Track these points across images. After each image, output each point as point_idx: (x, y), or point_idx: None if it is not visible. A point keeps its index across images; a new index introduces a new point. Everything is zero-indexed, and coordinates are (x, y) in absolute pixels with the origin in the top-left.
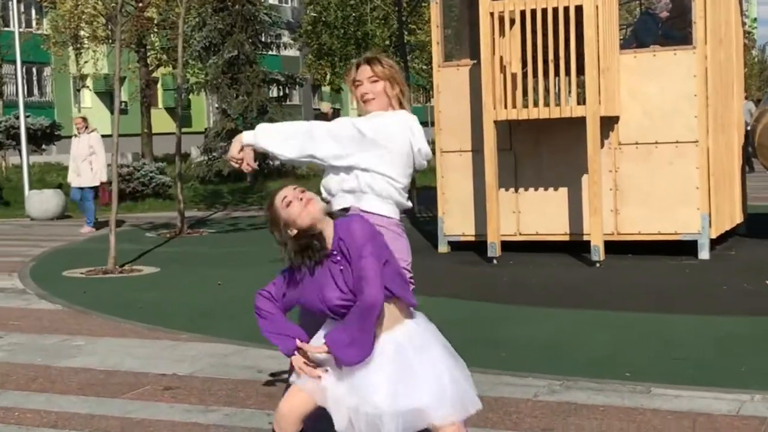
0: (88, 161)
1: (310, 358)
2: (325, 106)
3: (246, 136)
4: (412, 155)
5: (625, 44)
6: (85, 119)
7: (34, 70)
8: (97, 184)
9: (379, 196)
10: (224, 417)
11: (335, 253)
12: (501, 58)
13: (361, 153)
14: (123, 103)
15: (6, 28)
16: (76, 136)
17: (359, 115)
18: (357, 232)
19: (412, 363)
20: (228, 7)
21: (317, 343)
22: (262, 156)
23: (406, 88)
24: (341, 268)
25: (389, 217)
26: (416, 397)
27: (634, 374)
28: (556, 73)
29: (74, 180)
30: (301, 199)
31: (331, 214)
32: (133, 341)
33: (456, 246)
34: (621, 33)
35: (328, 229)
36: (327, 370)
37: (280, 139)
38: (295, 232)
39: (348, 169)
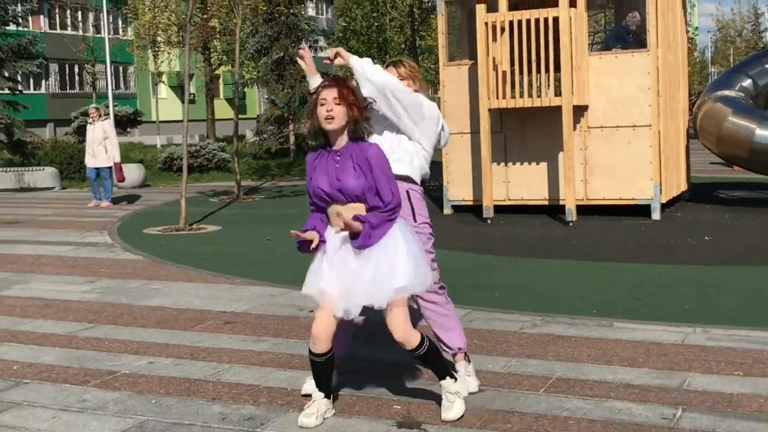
0: (102, 145)
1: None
2: None
3: (352, 59)
4: (439, 133)
5: (602, 48)
6: (98, 108)
7: (120, 68)
8: (112, 164)
9: (411, 163)
10: (272, 345)
11: (338, 156)
12: (494, 59)
13: (413, 121)
14: (192, 95)
15: (98, 35)
16: (91, 123)
17: None
18: (372, 158)
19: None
20: (275, 18)
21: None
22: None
23: (424, 83)
24: (337, 165)
25: (416, 183)
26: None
27: (600, 312)
28: (538, 71)
29: (90, 161)
30: (329, 110)
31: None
32: (199, 285)
33: (458, 209)
34: (589, 38)
35: (341, 138)
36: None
37: (377, 69)
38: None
39: (395, 133)
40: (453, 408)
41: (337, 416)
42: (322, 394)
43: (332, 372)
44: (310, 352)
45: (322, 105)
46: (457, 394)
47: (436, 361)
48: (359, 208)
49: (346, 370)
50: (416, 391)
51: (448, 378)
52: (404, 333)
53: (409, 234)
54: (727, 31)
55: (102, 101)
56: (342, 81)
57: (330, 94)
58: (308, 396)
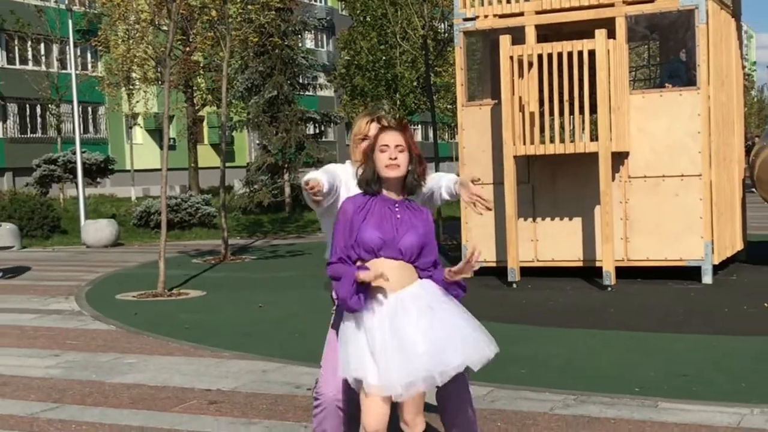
0: None
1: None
2: None
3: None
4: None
5: (648, 85)
6: None
7: (89, 109)
8: None
9: None
10: (265, 429)
11: (397, 207)
12: (520, 98)
13: None
14: (171, 140)
15: (64, 71)
16: None
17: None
18: (427, 218)
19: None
20: (268, 51)
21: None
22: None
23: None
24: (398, 216)
25: None
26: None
27: (642, 389)
28: (571, 112)
29: None
30: (393, 158)
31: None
32: (180, 359)
33: (478, 271)
34: (631, 74)
35: (397, 188)
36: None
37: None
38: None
39: None
40: None
41: None
42: None
43: None
44: None
45: (383, 151)
46: None
47: None
48: (408, 269)
49: None
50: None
51: None
52: (415, 415)
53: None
54: None
55: (67, 147)
56: (405, 126)
57: (393, 140)
58: None
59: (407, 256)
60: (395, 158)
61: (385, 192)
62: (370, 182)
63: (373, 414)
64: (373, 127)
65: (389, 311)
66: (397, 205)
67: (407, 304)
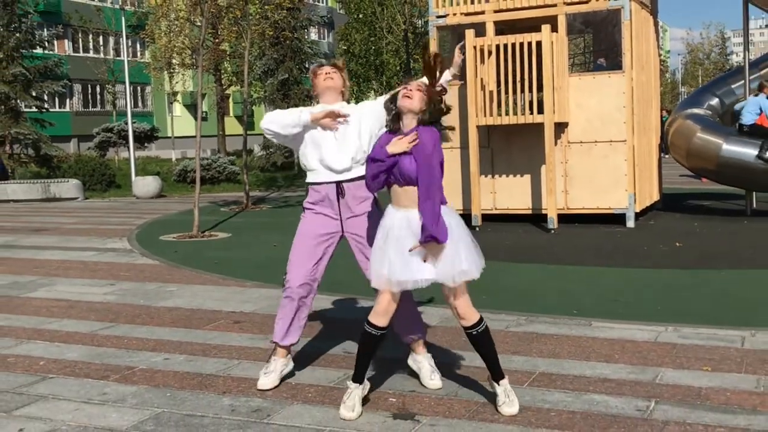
0: None
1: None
2: None
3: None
4: None
5: (592, 69)
6: None
7: (138, 88)
8: None
9: None
10: None
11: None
12: (482, 80)
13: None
14: (204, 113)
15: (118, 58)
16: None
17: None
18: (428, 141)
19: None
20: (281, 42)
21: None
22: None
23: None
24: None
25: None
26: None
27: (579, 312)
28: (522, 90)
29: None
30: (409, 90)
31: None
32: (211, 287)
33: None
34: (569, 61)
35: (410, 121)
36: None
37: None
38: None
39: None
40: (514, 403)
41: (335, 408)
42: (357, 384)
43: (374, 354)
44: (368, 324)
45: (404, 88)
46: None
47: (490, 346)
48: (411, 192)
49: (344, 366)
50: (411, 384)
51: (501, 382)
52: (466, 308)
53: (456, 220)
54: (696, 54)
55: (122, 118)
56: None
57: (414, 83)
58: (263, 391)
59: (407, 180)
60: (410, 91)
61: (404, 126)
62: (390, 115)
63: (385, 301)
64: (322, 68)
65: (398, 224)
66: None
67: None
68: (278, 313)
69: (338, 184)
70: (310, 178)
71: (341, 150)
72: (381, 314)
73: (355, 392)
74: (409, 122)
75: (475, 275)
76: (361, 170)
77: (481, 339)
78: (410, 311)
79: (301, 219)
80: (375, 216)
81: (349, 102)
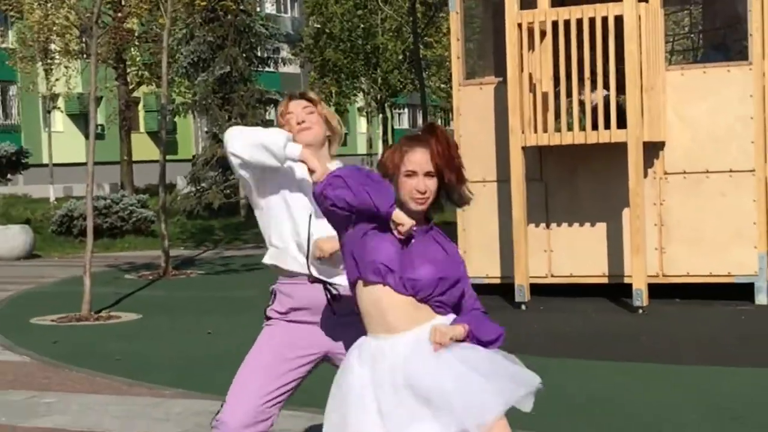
0: None
1: None
2: None
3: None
4: None
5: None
6: None
7: None
8: None
9: None
10: None
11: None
12: (530, 76)
13: None
14: (99, 127)
15: None
16: None
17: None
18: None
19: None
20: (219, 18)
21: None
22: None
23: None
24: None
25: None
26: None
27: None
28: (593, 92)
29: None
30: (422, 192)
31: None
32: (110, 398)
33: (479, 289)
34: (667, 46)
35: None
36: None
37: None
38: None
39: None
40: None
41: None
42: None
43: None
44: None
45: (409, 176)
46: None
47: None
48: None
49: None
50: None
51: None
52: None
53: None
54: None
55: None
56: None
57: (422, 164)
58: None
59: (418, 294)
60: (424, 192)
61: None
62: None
63: None
64: (293, 104)
65: (402, 355)
66: (416, 231)
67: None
68: None
69: (326, 284)
70: (275, 263)
71: (326, 226)
72: None
73: None
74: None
75: (500, 410)
76: None
77: None
78: None
79: (263, 328)
80: None
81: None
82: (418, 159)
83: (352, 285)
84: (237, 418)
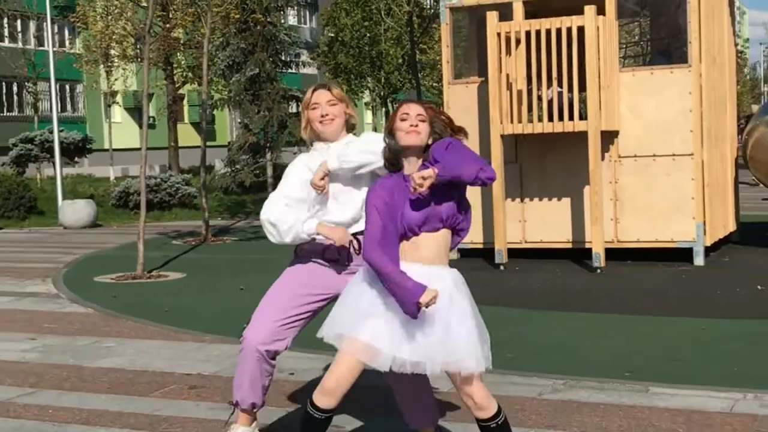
0: None
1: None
2: None
3: (331, 163)
4: None
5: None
6: None
7: (67, 87)
8: None
9: None
10: None
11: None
12: (507, 76)
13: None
14: (151, 118)
15: (41, 48)
16: None
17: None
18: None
19: (452, 319)
20: (250, 28)
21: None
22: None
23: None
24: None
25: None
26: (454, 353)
27: (633, 374)
28: (565, 90)
29: None
30: (414, 125)
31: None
32: (160, 343)
33: (465, 253)
34: (620, 52)
35: (413, 162)
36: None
37: (356, 151)
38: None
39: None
40: None
41: None
42: None
43: None
44: (311, 405)
45: (403, 120)
46: None
47: None
48: (444, 238)
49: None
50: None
51: None
52: (482, 397)
53: (464, 291)
54: None
55: (44, 126)
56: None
57: (414, 110)
58: None
59: (448, 223)
60: (416, 126)
61: (406, 165)
62: (393, 154)
63: (340, 372)
64: (317, 94)
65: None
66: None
67: (433, 279)
68: (238, 368)
69: (355, 235)
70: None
71: (345, 208)
72: (328, 393)
73: None
74: (413, 162)
75: (473, 369)
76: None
77: None
78: (426, 394)
79: (287, 268)
80: None
81: (354, 129)
82: (411, 107)
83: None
84: (257, 335)
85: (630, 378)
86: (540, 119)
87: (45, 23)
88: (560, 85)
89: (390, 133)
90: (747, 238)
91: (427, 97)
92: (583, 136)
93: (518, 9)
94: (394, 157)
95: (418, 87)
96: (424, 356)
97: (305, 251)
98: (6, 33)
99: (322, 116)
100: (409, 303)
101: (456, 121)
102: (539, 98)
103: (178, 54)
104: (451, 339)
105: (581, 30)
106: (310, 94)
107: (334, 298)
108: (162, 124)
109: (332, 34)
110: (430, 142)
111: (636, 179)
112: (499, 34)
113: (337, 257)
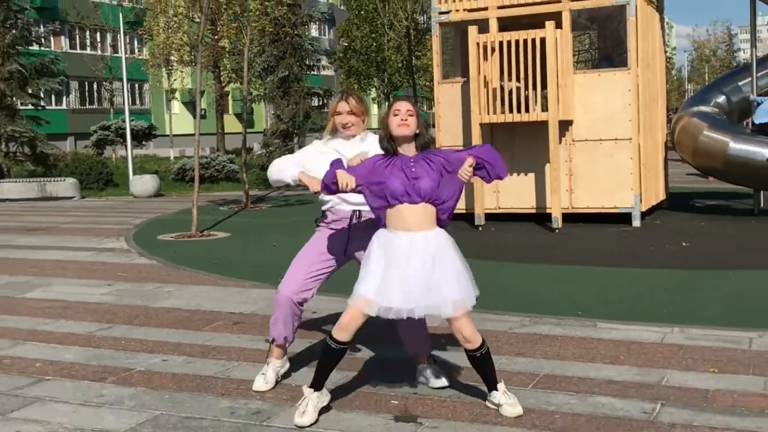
0: None
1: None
2: None
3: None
4: None
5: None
6: None
7: (136, 85)
8: None
9: None
10: None
11: (412, 161)
12: (485, 77)
13: None
14: (203, 110)
15: (116, 55)
16: None
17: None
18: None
19: (433, 277)
20: (281, 39)
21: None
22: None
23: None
24: (413, 169)
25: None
26: (436, 303)
27: (584, 313)
28: (526, 88)
29: None
30: (404, 119)
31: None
32: (209, 288)
33: (452, 217)
34: (574, 58)
35: (408, 148)
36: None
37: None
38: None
39: None
40: (516, 404)
41: (337, 410)
42: (312, 390)
43: (335, 367)
44: (330, 338)
45: (395, 115)
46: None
47: (490, 365)
48: (428, 211)
49: (345, 367)
50: (412, 386)
51: (498, 386)
52: (470, 332)
53: (452, 247)
54: (702, 51)
55: (119, 116)
56: (409, 98)
57: (404, 106)
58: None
59: (426, 199)
60: (405, 119)
61: (401, 150)
62: (385, 141)
63: (352, 316)
64: (341, 105)
65: (405, 247)
66: (412, 160)
67: (418, 244)
68: (273, 312)
69: (354, 212)
70: (326, 206)
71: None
72: (343, 329)
73: (310, 399)
74: (406, 149)
75: (450, 314)
76: None
77: (482, 360)
78: (421, 331)
79: (315, 232)
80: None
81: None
82: (402, 105)
83: (378, 208)
84: (289, 287)
85: (582, 316)
86: (510, 111)
87: (119, 35)
88: (525, 85)
89: (385, 125)
90: (674, 205)
91: (421, 94)
92: (544, 124)
93: (493, 24)
94: (388, 144)
95: (414, 86)
96: (406, 304)
97: (323, 222)
98: (88, 43)
99: (344, 125)
100: (329, 175)
101: (445, 113)
102: (510, 93)
103: (224, 59)
104: (432, 292)
105: (543, 40)
106: (336, 102)
107: (349, 258)
108: (211, 115)
109: (346, 44)
110: (417, 131)
111: (586, 158)
112: (478, 44)
113: (345, 227)
